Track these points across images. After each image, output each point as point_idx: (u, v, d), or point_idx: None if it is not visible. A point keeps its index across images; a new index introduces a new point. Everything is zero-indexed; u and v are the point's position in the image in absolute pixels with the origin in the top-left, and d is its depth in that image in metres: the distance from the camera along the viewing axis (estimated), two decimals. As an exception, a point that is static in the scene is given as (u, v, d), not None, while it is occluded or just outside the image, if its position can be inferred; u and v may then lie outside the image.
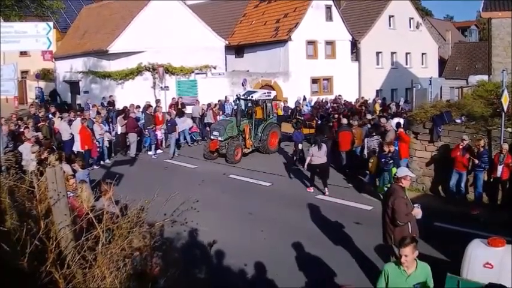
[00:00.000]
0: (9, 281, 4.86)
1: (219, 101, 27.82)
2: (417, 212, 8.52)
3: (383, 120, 18.98)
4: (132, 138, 21.66)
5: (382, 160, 14.79)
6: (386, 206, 8.68)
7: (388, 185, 14.40)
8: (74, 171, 13.08)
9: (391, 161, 14.68)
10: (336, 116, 23.92)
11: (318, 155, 16.04)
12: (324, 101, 32.71)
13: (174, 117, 24.12)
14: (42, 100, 34.57)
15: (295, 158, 20.06)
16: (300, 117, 26.53)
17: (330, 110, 28.06)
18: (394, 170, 14.22)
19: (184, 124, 24.38)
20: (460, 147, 14.33)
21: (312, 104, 31.63)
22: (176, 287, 5.78)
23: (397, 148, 15.79)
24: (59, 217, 5.21)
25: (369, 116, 21.84)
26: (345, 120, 20.21)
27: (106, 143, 20.74)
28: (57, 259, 4.98)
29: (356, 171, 18.12)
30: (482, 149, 14.03)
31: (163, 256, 6.17)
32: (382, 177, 15.14)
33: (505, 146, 13.61)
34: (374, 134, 17.95)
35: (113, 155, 21.61)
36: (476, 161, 14.01)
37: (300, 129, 21.33)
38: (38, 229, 5.07)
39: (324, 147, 16.20)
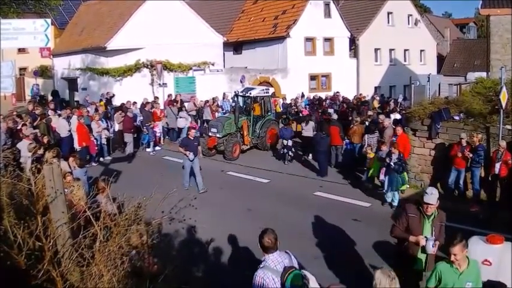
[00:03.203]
0: (6, 279, 4.85)
1: (212, 98, 27.76)
2: (418, 241, 7.29)
3: (381, 117, 18.98)
4: (128, 138, 21.58)
5: (391, 164, 14.23)
6: None
7: (402, 188, 14.65)
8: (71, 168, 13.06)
9: (401, 166, 14.32)
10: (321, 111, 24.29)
11: (305, 129, 20.98)
12: (315, 97, 32.65)
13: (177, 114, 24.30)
14: (37, 96, 34.48)
15: (285, 155, 20.18)
16: (294, 114, 26.59)
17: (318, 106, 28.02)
18: (405, 174, 14.61)
19: (183, 122, 24.34)
20: (459, 145, 14.35)
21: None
22: (174, 284, 5.77)
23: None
24: (56, 215, 5.18)
25: (369, 113, 21.83)
26: (335, 116, 20.33)
27: (104, 140, 20.71)
28: (55, 257, 4.96)
29: (355, 168, 18.14)
30: (478, 143, 14.03)
31: (161, 254, 6.17)
32: (390, 180, 14.38)
33: (503, 144, 13.59)
34: (375, 130, 17.95)
35: (111, 152, 21.57)
36: (471, 155, 14.00)
37: (288, 125, 21.32)
38: (36, 227, 5.04)
39: (311, 123, 21.05)
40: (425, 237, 7.23)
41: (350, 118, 20.94)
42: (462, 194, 14.84)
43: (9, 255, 4.86)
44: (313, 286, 5.63)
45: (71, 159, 13.51)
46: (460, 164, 14.45)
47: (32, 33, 18.84)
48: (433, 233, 7.34)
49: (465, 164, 14.46)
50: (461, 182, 14.67)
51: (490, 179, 14.18)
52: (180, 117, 24.34)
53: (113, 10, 32.50)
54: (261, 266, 5.83)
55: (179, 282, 6.04)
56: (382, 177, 14.63)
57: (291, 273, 5.61)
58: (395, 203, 14.39)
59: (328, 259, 10.60)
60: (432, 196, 7.28)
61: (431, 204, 7.28)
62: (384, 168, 14.56)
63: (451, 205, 13.99)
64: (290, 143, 19.95)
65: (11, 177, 6.49)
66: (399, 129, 16.03)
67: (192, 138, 16.37)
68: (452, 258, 6.01)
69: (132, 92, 26.83)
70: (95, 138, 19.85)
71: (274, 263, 5.80)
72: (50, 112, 21.97)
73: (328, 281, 9.47)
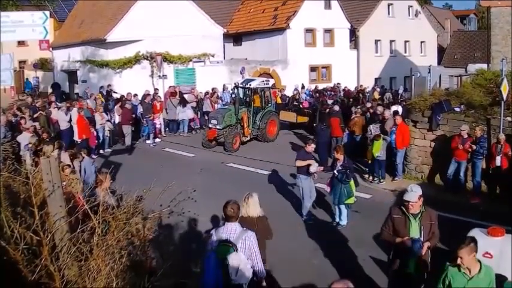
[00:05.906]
0: (4, 273, 4.82)
1: (212, 90, 27.71)
2: (404, 242, 6.97)
3: (380, 108, 18.94)
4: (126, 130, 21.51)
5: (334, 172, 12.15)
6: None
7: (349, 201, 12.15)
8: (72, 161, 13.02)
9: (345, 174, 11.88)
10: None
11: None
12: (316, 88, 32.70)
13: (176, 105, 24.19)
14: (32, 88, 34.46)
15: None
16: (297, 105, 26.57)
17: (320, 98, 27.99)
18: (352, 184, 12.23)
19: (184, 114, 24.32)
20: (460, 137, 14.28)
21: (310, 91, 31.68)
22: (173, 279, 5.75)
23: (393, 137, 15.71)
24: (54, 209, 5.14)
25: (368, 105, 21.79)
26: (336, 107, 20.31)
27: (107, 132, 20.70)
28: (53, 251, 4.93)
29: (355, 160, 18.10)
30: (479, 134, 13.98)
31: (160, 247, 6.13)
32: (334, 192, 12.20)
33: (501, 137, 13.54)
34: (377, 121, 17.92)
35: (111, 144, 21.54)
36: (474, 147, 13.93)
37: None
38: (33, 221, 5.01)
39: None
40: (411, 238, 6.94)
41: (352, 109, 20.91)
42: (462, 186, 14.79)
43: (6, 250, 4.83)
44: (233, 263, 6.19)
45: (67, 153, 13.45)
46: (461, 155, 14.38)
47: (31, 25, 18.83)
48: (422, 233, 7.02)
49: (466, 156, 14.39)
50: (461, 173, 14.61)
51: (490, 172, 14.16)
52: (188, 110, 24.66)
53: (112, 2, 32.36)
54: (217, 227, 6.87)
55: (178, 276, 6.02)
56: (327, 188, 12.62)
57: (221, 245, 6.33)
58: (343, 222, 12.23)
59: (328, 250, 10.58)
60: (412, 193, 6.96)
61: (412, 202, 6.94)
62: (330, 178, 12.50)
63: (451, 197, 14.09)
64: None
65: (9, 171, 6.45)
66: (398, 118, 15.97)
67: (309, 152, 13.07)
68: (459, 261, 5.78)
69: (132, 84, 26.78)
70: (96, 130, 19.82)
71: (226, 230, 6.55)
72: (53, 105, 21.83)
73: (328, 272, 9.50)
